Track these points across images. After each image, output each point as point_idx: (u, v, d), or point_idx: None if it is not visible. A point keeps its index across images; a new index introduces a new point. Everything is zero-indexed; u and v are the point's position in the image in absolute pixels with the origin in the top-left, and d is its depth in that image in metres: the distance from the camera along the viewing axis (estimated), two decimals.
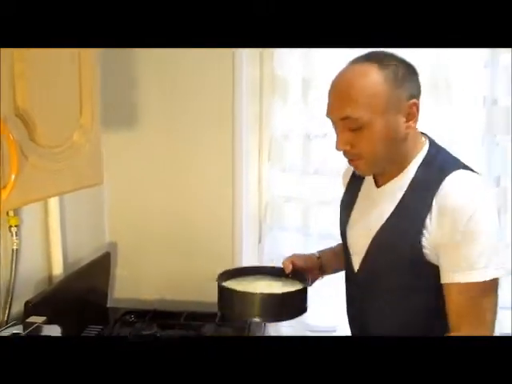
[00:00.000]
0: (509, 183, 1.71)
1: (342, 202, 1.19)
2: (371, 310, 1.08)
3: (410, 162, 1.00)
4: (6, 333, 1.05)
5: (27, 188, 0.82)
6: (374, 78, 0.93)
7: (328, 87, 1.00)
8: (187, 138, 1.79)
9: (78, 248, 1.63)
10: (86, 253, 1.65)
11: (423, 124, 1.61)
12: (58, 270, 1.45)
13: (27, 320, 1.10)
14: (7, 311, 1.23)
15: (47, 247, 1.43)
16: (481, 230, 0.90)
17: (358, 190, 1.13)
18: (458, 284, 0.92)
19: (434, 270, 0.95)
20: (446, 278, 0.93)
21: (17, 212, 1.27)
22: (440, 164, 0.97)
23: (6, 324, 1.17)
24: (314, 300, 1.76)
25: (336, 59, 1.23)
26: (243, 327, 1.56)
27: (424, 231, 0.94)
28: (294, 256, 1.25)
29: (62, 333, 1.13)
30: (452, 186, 0.92)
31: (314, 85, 1.69)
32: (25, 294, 1.28)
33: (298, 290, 1.14)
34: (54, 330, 1.10)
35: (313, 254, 1.28)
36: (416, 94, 0.98)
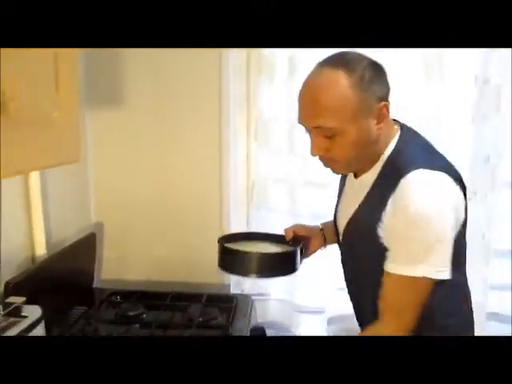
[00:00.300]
0: (498, 162, 1.70)
1: (338, 187, 1.25)
2: (358, 274, 1.15)
3: (381, 156, 1.03)
4: None
5: (1, 163, 0.79)
6: (343, 85, 0.94)
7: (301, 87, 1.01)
8: (174, 117, 1.77)
9: (63, 229, 1.60)
10: (71, 234, 1.63)
11: (415, 102, 1.61)
12: (41, 250, 1.42)
13: (6, 300, 1.07)
14: None
15: (29, 228, 1.40)
16: (422, 231, 0.93)
17: (345, 178, 1.20)
18: (390, 273, 0.98)
19: None
20: (385, 265, 0.99)
21: None
22: (402, 162, 0.99)
23: None
24: (302, 281, 1.77)
25: None
26: (230, 307, 1.55)
27: (380, 223, 0.99)
28: (297, 225, 1.33)
29: (42, 314, 1.11)
30: (406, 188, 0.94)
31: (301, 64, 1.66)
32: (7, 274, 1.25)
33: (291, 251, 1.27)
34: (33, 311, 1.08)
35: (316, 226, 1.35)
36: (385, 94, 1.00)
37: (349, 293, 1.23)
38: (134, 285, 1.79)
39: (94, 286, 1.75)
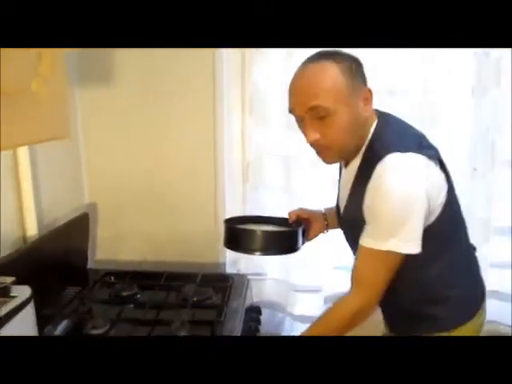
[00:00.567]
0: (497, 136, 1.67)
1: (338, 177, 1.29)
2: None
3: (362, 146, 1.08)
4: None
5: None
6: (333, 71, 1.01)
7: (288, 87, 1.07)
8: (166, 94, 1.72)
9: (56, 210, 1.57)
10: (64, 214, 1.60)
11: (414, 76, 1.58)
12: (32, 231, 1.40)
13: None
14: None
15: (20, 208, 1.38)
16: (391, 207, 0.98)
17: (341, 166, 1.25)
18: (362, 246, 1.05)
19: None
20: (360, 239, 1.06)
21: None
22: (378, 148, 1.03)
23: None
24: (298, 260, 1.75)
25: None
26: (225, 286, 1.53)
27: (364, 207, 1.04)
28: (301, 209, 1.40)
29: (32, 294, 1.09)
30: (381, 171, 0.99)
31: None
32: None
33: (293, 231, 1.35)
34: (23, 291, 1.06)
35: (319, 210, 1.41)
36: (365, 80, 1.08)
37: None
38: (129, 265, 1.76)
39: (89, 266, 1.73)
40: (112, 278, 1.62)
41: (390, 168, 0.98)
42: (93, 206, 1.82)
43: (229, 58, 1.71)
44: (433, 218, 1.04)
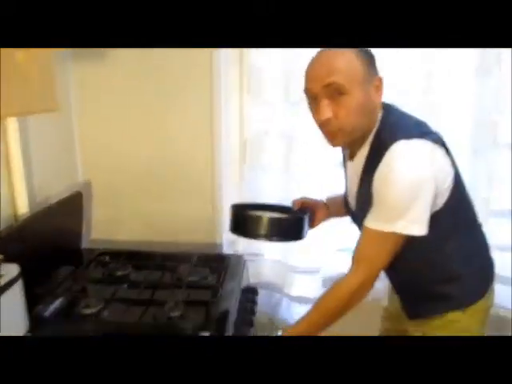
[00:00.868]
0: (499, 118, 1.64)
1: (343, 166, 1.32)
2: None
3: (369, 136, 1.10)
4: None
5: None
6: (350, 55, 1.04)
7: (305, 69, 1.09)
8: (163, 71, 1.68)
9: (48, 188, 1.54)
10: (58, 193, 1.56)
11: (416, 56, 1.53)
12: (23, 209, 1.37)
13: None
14: None
15: (10, 186, 1.35)
16: (399, 190, 1.00)
17: (345, 159, 1.27)
18: (368, 228, 1.07)
19: None
20: (365, 221, 1.09)
21: None
22: (385, 137, 1.05)
23: None
24: (297, 242, 1.72)
25: None
26: (221, 267, 1.50)
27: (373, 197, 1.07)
28: (304, 198, 1.43)
29: (20, 272, 1.07)
30: (388, 159, 1.01)
31: None
32: None
33: (298, 218, 1.36)
34: (11, 269, 1.04)
35: (321, 199, 1.45)
36: (377, 71, 1.09)
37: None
38: (125, 245, 1.74)
39: (84, 246, 1.71)
40: (107, 257, 1.60)
41: (397, 155, 1.01)
42: (87, 184, 1.79)
43: None
44: (441, 202, 1.07)
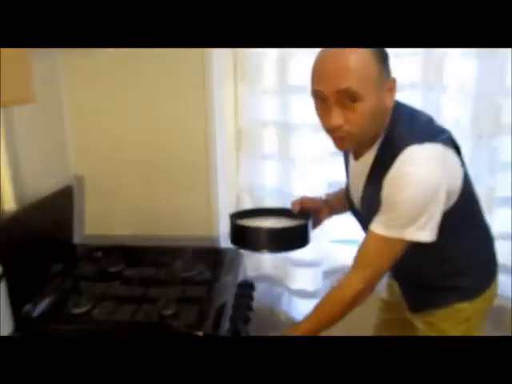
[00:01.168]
0: (502, 101, 1.57)
1: (344, 163, 1.28)
2: None
3: (378, 138, 1.06)
4: None
5: None
6: (367, 56, 0.97)
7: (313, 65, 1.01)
8: (155, 59, 1.61)
9: (38, 183, 1.48)
10: (48, 187, 1.50)
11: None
12: (9, 204, 1.32)
13: None
14: None
15: None
16: (411, 197, 0.98)
17: (347, 156, 1.23)
18: (374, 232, 1.04)
19: None
20: (371, 225, 1.05)
21: None
22: (395, 140, 1.02)
23: None
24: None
25: None
26: (217, 261, 1.45)
27: (381, 199, 1.03)
28: (303, 197, 1.36)
29: (2, 272, 1.02)
30: (400, 165, 0.99)
31: None
32: None
33: (300, 225, 1.27)
34: None
35: (320, 197, 1.39)
36: (390, 72, 1.04)
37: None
38: (120, 239, 1.69)
39: (78, 241, 1.66)
40: (99, 253, 1.55)
41: (410, 161, 0.98)
42: (79, 178, 1.73)
43: None
44: (452, 202, 1.06)
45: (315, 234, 1.66)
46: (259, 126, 1.68)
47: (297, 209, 1.33)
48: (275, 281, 1.82)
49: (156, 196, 1.73)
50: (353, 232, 1.73)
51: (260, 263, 1.81)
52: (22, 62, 0.93)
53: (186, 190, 1.71)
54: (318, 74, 1.01)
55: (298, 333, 1.09)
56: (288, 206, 1.37)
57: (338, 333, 1.03)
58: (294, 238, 1.28)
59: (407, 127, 1.04)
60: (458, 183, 1.06)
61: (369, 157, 1.08)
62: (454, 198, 1.06)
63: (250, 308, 1.33)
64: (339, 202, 1.34)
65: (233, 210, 1.76)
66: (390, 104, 1.04)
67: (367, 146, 1.08)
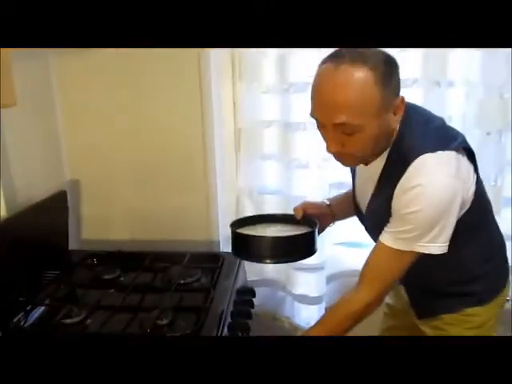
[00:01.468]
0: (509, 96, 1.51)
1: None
2: None
3: (387, 147, 1.01)
4: None
5: None
6: (367, 82, 0.90)
7: (312, 84, 0.97)
8: (149, 59, 1.56)
9: (32, 189, 1.43)
10: (42, 194, 1.45)
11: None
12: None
13: None
14: None
15: None
16: (426, 212, 0.94)
17: None
18: (384, 245, 1.00)
19: None
20: (381, 236, 1.02)
21: None
22: (406, 148, 0.98)
23: None
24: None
25: None
26: (214, 267, 1.40)
27: (392, 209, 1.00)
28: (305, 203, 1.29)
29: None
30: (413, 174, 0.94)
31: None
32: None
33: (306, 233, 1.20)
34: None
35: (323, 202, 1.32)
36: (399, 84, 0.98)
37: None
38: (117, 244, 1.64)
39: (74, 247, 1.61)
40: (94, 259, 1.50)
41: (421, 171, 0.94)
42: (75, 182, 1.69)
43: None
44: (464, 210, 1.02)
45: (319, 237, 1.62)
46: (259, 126, 1.63)
47: (300, 215, 1.26)
48: (277, 285, 1.77)
49: (153, 198, 1.69)
50: (358, 234, 1.68)
51: (261, 267, 1.75)
52: (3, 65, 0.89)
53: (184, 192, 1.67)
54: (315, 101, 0.96)
55: None
56: (290, 209, 1.30)
57: None
58: (301, 247, 1.20)
59: (419, 134, 0.99)
60: (471, 191, 1.02)
61: (379, 163, 1.04)
62: (467, 205, 1.02)
63: (249, 316, 1.27)
64: (343, 208, 1.29)
65: (232, 212, 1.73)
66: (396, 123, 0.99)
67: (375, 156, 1.04)
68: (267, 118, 1.62)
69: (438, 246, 0.97)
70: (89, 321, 1.17)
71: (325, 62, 0.95)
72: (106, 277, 1.39)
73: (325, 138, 0.99)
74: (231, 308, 1.24)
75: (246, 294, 1.38)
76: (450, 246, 0.99)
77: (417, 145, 0.97)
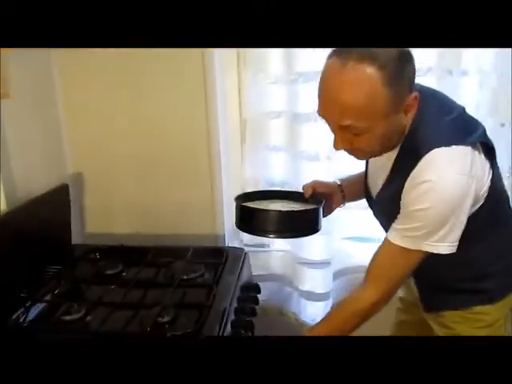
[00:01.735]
0: None
1: None
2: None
3: (400, 140, 0.98)
4: None
5: None
6: (375, 83, 0.86)
7: (319, 79, 0.93)
8: (153, 51, 1.51)
9: (33, 182, 1.40)
10: (44, 187, 1.42)
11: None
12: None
13: None
14: None
15: None
16: (436, 211, 0.91)
17: None
18: (391, 242, 0.98)
19: None
20: (388, 233, 1.00)
21: None
22: (420, 140, 0.94)
23: None
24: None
25: None
26: (218, 262, 1.37)
27: (401, 202, 0.97)
28: (315, 181, 1.26)
29: None
30: (425, 168, 0.91)
31: None
32: None
33: (310, 209, 1.19)
34: None
35: (334, 182, 1.30)
36: (413, 80, 0.93)
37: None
38: (121, 238, 1.61)
39: (77, 241, 1.59)
40: (97, 254, 1.47)
41: (433, 167, 0.91)
42: (78, 176, 1.66)
43: None
44: (477, 206, 0.98)
45: (326, 231, 1.58)
46: (265, 117, 1.59)
47: (309, 193, 1.24)
48: (284, 280, 1.73)
49: (157, 191, 1.65)
50: (367, 229, 1.64)
51: (268, 262, 1.72)
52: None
53: (188, 185, 1.64)
54: (321, 99, 0.93)
55: None
56: None
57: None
58: (304, 223, 1.19)
59: (434, 126, 0.95)
60: (485, 188, 0.98)
61: (392, 154, 1.00)
62: (481, 202, 0.98)
63: (254, 313, 1.24)
64: (355, 189, 1.25)
65: None
66: (408, 120, 0.95)
67: (389, 148, 1.00)
68: (274, 108, 1.57)
69: (446, 245, 0.94)
70: (89, 318, 1.14)
71: (332, 56, 0.90)
72: (109, 272, 1.36)
73: (333, 134, 0.97)
74: (235, 305, 1.21)
75: (251, 290, 1.34)
76: (461, 242, 0.95)
77: (430, 138, 0.93)
